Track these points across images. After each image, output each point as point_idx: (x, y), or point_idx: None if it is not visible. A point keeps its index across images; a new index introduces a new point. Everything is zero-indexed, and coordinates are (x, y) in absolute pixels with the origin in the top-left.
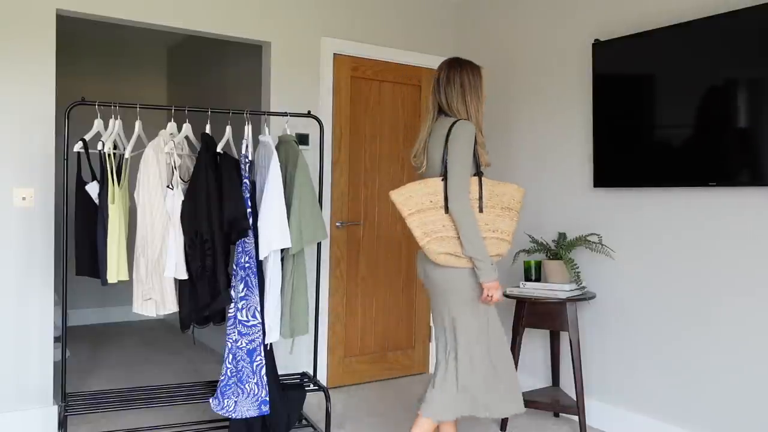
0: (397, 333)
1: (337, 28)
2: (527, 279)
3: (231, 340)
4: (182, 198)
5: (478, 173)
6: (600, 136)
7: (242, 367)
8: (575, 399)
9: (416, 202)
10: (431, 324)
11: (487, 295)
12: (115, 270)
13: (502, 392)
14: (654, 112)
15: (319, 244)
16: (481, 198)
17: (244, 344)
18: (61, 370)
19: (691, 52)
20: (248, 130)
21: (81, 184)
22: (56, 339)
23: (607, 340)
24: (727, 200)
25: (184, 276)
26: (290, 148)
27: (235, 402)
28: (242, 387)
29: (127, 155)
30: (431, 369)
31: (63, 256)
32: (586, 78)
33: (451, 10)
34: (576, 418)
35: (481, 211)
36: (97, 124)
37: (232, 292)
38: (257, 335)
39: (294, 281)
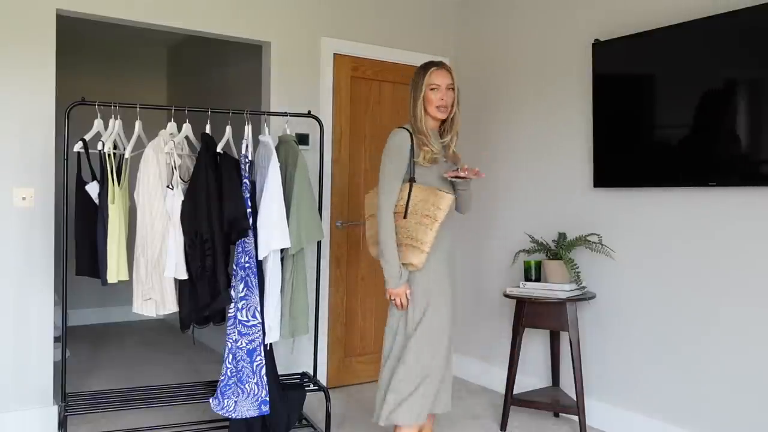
0: None
1: (337, 28)
2: (527, 279)
3: (231, 340)
4: (182, 198)
5: (410, 179)
6: (600, 136)
7: (242, 367)
8: (575, 399)
9: (368, 206)
10: None
11: (391, 298)
12: (115, 270)
13: (393, 398)
14: (654, 112)
15: (319, 244)
16: (407, 205)
17: (244, 344)
18: (61, 370)
19: (691, 52)
20: (248, 130)
21: (81, 184)
22: (56, 339)
23: (607, 340)
24: (727, 200)
25: (184, 276)
26: (290, 148)
27: (235, 402)
28: (242, 387)
29: (127, 155)
30: None
31: (63, 256)
32: (586, 78)
33: (451, 10)
34: (576, 418)
35: (405, 217)
36: (97, 124)
37: (232, 292)
38: (257, 335)
39: (294, 281)
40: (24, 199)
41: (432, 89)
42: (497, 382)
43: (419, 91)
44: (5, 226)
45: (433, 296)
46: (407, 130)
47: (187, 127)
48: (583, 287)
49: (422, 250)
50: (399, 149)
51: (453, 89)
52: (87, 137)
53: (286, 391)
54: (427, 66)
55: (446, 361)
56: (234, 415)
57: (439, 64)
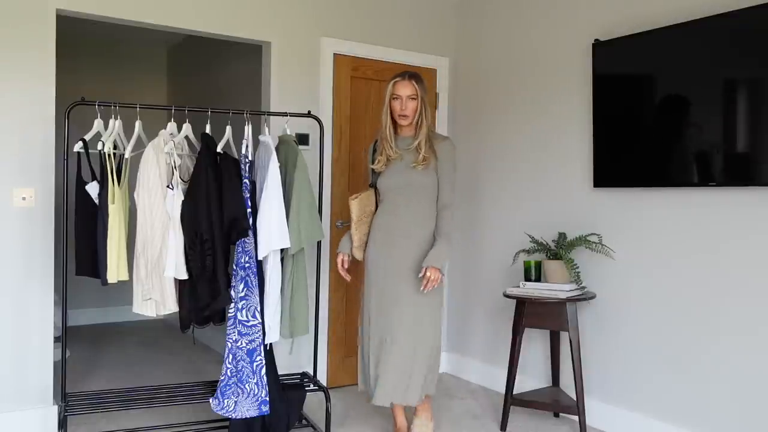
0: None
1: (337, 28)
2: (527, 279)
3: (231, 340)
4: (182, 198)
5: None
6: (600, 136)
7: (242, 367)
8: (575, 399)
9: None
10: None
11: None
12: (115, 270)
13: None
14: (654, 112)
15: (319, 244)
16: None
17: (244, 344)
18: (61, 370)
19: (691, 52)
20: (248, 130)
21: (81, 184)
22: (56, 339)
23: (607, 340)
24: (727, 200)
25: (184, 276)
26: (290, 148)
27: (235, 402)
28: (242, 387)
29: (127, 155)
30: None
31: (63, 256)
32: (586, 78)
33: (451, 10)
34: (576, 418)
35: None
36: (97, 124)
37: (232, 292)
38: (257, 335)
39: (294, 281)
40: (24, 199)
41: (394, 99)
42: (497, 382)
43: (384, 100)
44: (5, 226)
45: (364, 282)
46: (377, 139)
47: (187, 127)
48: (583, 287)
49: (352, 245)
50: (366, 156)
51: (415, 99)
52: (87, 137)
53: (286, 391)
54: (395, 76)
55: (366, 344)
56: (234, 415)
57: (405, 75)
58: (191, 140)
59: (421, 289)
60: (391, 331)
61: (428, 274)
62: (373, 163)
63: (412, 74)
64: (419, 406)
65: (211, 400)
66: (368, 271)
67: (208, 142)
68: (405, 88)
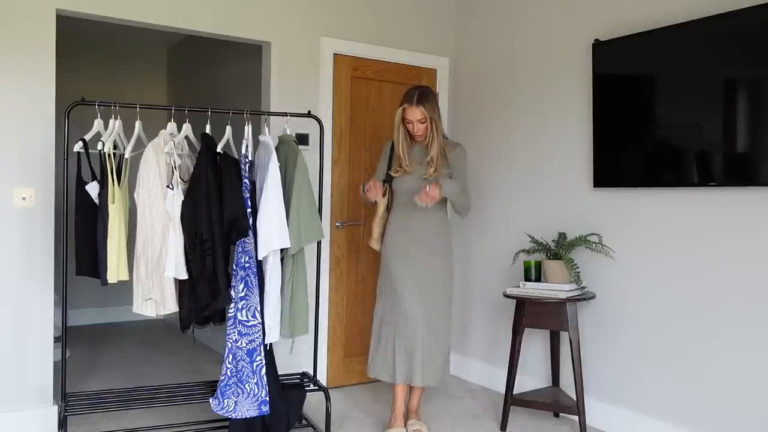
0: None
1: (337, 28)
2: (527, 279)
3: (231, 340)
4: (182, 198)
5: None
6: (600, 136)
7: (242, 367)
8: (575, 399)
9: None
10: None
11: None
12: (115, 270)
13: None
14: (654, 112)
15: (318, 244)
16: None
17: (244, 344)
18: (61, 370)
19: (691, 52)
20: (248, 130)
21: (81, 184)
22: (56, 339)
23: (607, 340)
24: (727, 200)
25: (184, 276)
26: (290, 148)
27: (235, 402)
28: (242, 387)
29: (127, 155)
30: None
31: (63, 256)
32: (586, 78)
33: (451, 10)
34: (576, 418)
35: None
36: (97, 124)
37: (232, 292)
38: (257, 335)
39: (294, 281)
40: (24, 199)
41: (407, 123)
42: (497, 382)
43: (396, 122)
44: (5, 226)
45: (380, 277)
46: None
47: (187, 127)
48: (583, 287)
49: (371, 237)
50: (383, 154)
51: (424, 122)
52: (87, 137)
53: (286, 391)
54: (403, 100)
55: (379, 328)
56: (234, 415)
57: (413, 100)
58: (191, 140)
59: (415, 198)
60: (425, 323)
61: (428, 188)
62: (390, 168)
63: (420, 96)
64: (415, 409)
65: (211, 400)
66: (387, 269)
67: (208, 142)
68: (414, 114)
